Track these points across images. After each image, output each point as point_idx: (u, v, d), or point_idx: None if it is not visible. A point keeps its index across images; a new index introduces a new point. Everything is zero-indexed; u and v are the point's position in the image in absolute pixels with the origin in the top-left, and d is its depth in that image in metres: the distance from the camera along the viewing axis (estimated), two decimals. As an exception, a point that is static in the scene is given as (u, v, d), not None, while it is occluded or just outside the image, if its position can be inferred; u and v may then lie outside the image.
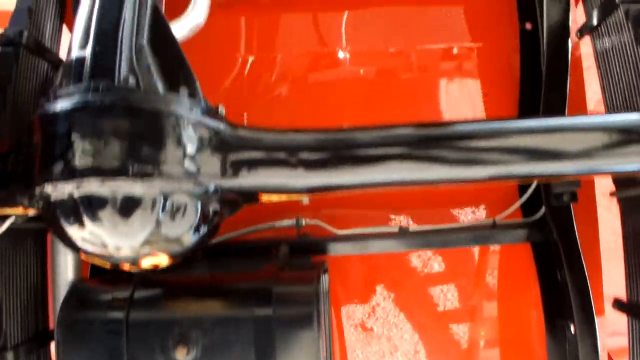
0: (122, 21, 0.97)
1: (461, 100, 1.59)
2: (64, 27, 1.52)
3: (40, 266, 1.26)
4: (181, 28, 1.40)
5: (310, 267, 1.33)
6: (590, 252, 1.43)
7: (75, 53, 0.95)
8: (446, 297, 1.51)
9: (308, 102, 1.61)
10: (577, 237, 1.41)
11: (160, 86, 0.92)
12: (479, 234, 1.47)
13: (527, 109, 1.54)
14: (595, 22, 1.34)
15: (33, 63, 1.32)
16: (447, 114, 1.59)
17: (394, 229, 1.47)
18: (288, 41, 1.63)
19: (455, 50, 1.60)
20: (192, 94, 0.95)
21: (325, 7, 1.63)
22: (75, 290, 1.21)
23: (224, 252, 1.45)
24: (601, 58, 1.35)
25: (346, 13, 1.61)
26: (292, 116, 1.61)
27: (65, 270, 1.28)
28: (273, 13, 1.63)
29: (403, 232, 1.46)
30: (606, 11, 1.28)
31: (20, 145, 0.97)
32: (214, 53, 1.63)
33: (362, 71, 1.61)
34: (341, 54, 1.61)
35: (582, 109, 1.50)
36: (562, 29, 1.42)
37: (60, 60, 1.41)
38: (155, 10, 1.04)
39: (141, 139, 0.86)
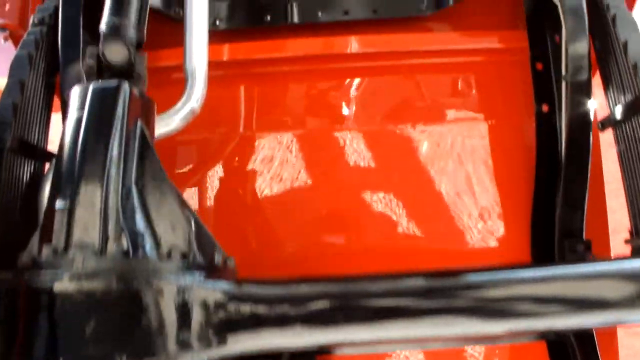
0: (108, 159, 0.89)
1: (473, 180, 1.50)
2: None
3: None
4: (176, 119, 1.32)
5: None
6: (608, 353, 1.36)
7: (57, 204, 0.87)
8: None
9: (307, 182, 1.53)
10: (595, 337, 1.34)
11: (149, 248, 0.84)
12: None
13: (542, 192, 1.45)
14: (619, 117, 1.25)
15: (19, 164, 1.24)
16: (459, 195, 1.50)
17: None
18: (286, 118, 1.54)
19: (467, 128, 1.51)
20: (185, 253, 0.87)
21: (327, 80, 1.53)
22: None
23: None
24: (624, 153, 1.27)
25: (352, 87, 1.52)
26: (290, 195, 1.53)
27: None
28: (270, 87, 1.54)
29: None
30: (631, 111, 1.20)
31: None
32: (208, 129, 1.54)
33: (367, 149, 1.52)
34: (345, 131, 1.52)
35: (600, 196, 1.43)
36: (583, 118, 1.32)
37: (49, 155, 1.34)
38: (144, 138, 0.96)
39: (129, 320, 0.78)
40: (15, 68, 1.28)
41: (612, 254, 1.41)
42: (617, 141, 1.28)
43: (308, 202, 1.54)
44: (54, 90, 1.38)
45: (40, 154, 1.30)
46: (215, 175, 1.57)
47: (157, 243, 0.86)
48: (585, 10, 1.31)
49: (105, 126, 0.90)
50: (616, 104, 1.26)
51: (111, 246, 0.82)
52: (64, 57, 1.35)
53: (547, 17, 1.43)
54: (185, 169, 1.60)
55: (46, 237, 0.86)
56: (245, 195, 1.57)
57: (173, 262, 0.84)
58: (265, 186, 1.56)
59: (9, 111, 1.20)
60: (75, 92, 0.96)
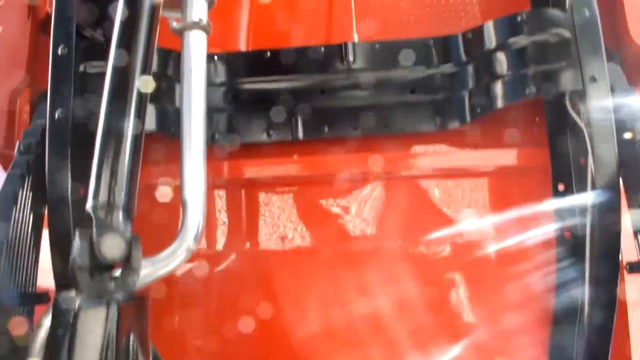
0: None
1: (488, 303, 1.42)
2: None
3: None
4: (174, 259, 1.24)
5: None
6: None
7: None
8: None
9: (310, 300, 1.46)
10: None
11: None
12: None
13: (560, 325, 1.36)
14: (648, 264, 1.16)
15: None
16: (473, 318, 1.42)
17: None
18: (291, 234, 1.46)
19: (482, 246, 1.41)
20: None
21: (335, 196, 1.44)
22: None
23: None
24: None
25: (361, 203, 1.43)
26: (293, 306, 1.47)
27: None
28: (271, 203, 1.45)
29: None
30: None
31: None
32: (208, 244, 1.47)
33: (376, 265, 1.44)
34: (356, 248, 1.44)
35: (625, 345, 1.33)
36: (611, 260, 1.21)
37: (41, 297, 1.26)
38: (137, 351, 0.88)
39: None
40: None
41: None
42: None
43: (316, 319, 1.46)
44: (42, 223, 1.29)
45: (29, 300, 1.22)
46: (215, 287, 1.49)
47: None
48: (615, 141, 1.20)
49: (94, 356, 0.82)
50: (647, 254, 1.17)
51: None
52: (50, 187, 1.26)
53: (572, 137, 1.33)
54: (185, 281, 1.52)
55: None
56: (250, 305, 1.50)
57: None
58: (270, 300, 1.49)
59: None
60: (60, 306, 0.86)
